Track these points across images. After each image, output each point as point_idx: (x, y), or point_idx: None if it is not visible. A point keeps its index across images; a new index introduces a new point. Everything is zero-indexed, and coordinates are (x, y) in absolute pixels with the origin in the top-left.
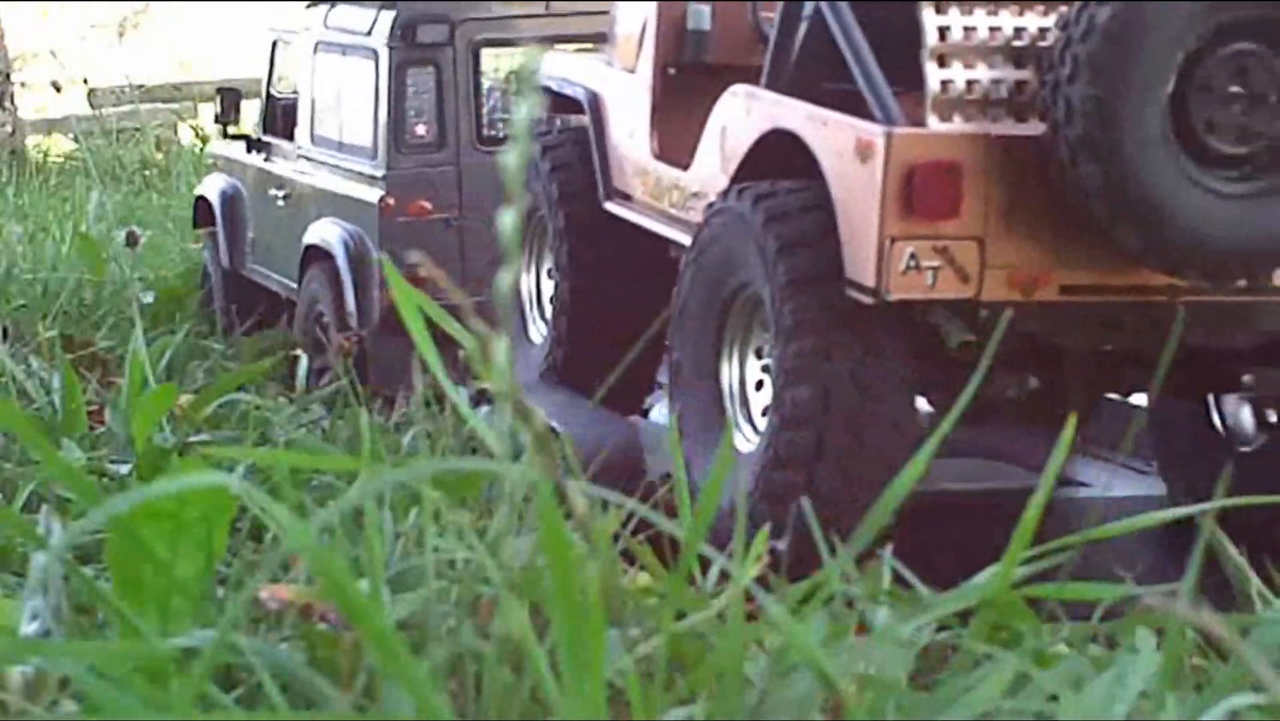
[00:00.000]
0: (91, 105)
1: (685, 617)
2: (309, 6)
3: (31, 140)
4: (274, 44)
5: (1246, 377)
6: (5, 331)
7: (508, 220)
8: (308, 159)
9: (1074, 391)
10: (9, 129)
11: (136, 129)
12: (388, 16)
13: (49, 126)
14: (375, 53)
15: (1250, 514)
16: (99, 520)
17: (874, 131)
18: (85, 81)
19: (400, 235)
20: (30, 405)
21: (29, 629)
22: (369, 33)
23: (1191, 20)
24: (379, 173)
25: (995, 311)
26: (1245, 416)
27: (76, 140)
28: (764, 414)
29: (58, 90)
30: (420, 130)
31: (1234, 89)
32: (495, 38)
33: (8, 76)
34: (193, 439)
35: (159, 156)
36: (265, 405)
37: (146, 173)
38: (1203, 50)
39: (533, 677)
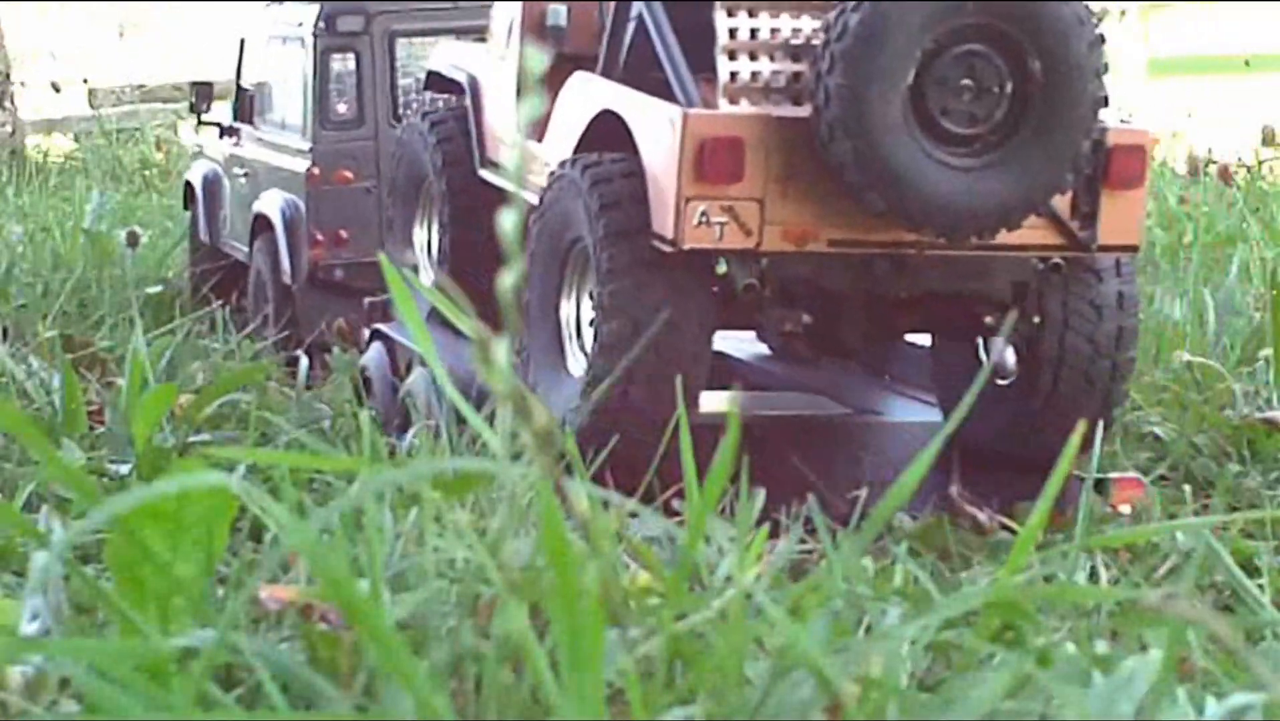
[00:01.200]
0: (91, 105)
1: (686, 617)
2: (268, 5)
3: (31, 140)
4: (241, 40)
5: (988, 319)
6: (5, 331)
7: (508, 220)
8: (261, 139)
9: (851, 331)
10: (9, 129)
11: (136, 129)
12: (315, 9)
13: (49, 126)
14: (304, 41)
15: (1012, 435)
16: (100, 520)
17: (674, 112)
18: (85, 81)
19: (326, 201)
20: (30, 405)
21: (29, 628)
22: (300, 25)
23: (927, 25)
24: (306, 146)
25: (774, 260)
26: (1008, 354)
27: (77, 140)
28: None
29: (57, 90)
30: (342, 109)
31: (964, 82)
32: (407, 28)
33: (8, 76)
34: (193, 439)
35: (159, 156)
36: (265, 405)
37: (146, 173)
38: (938, 49)
39: (533, 677)
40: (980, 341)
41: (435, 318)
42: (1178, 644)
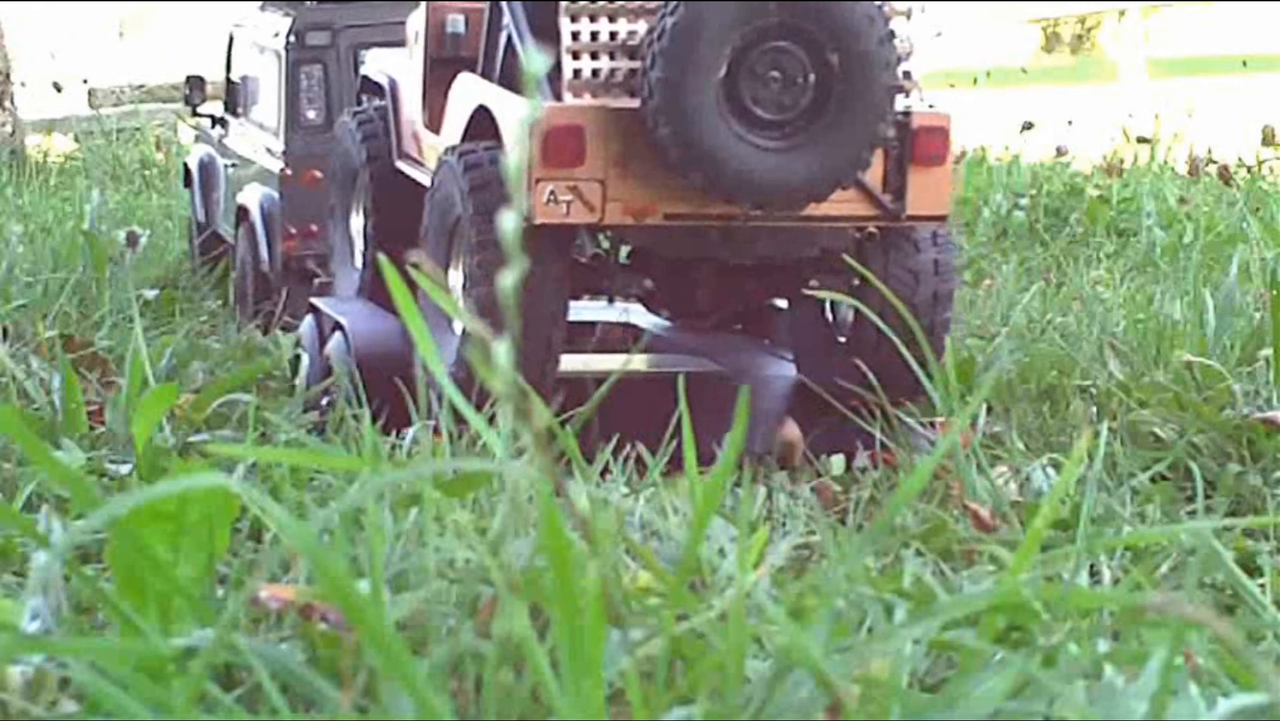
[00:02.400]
0: (91, 105)
1: (686, 618)
2: (261, 9)
3: (31, 140)
4: (230, 35)
5: (813, 281)
6: (5, 331)
7: (509, 221)
8: (243, 135)
9: (701, 295)
10: (9, 129)
11: (136, 129)
12: (287, 22)
13: (49, 126)
14: (278, 52)
15: (851, 380)
16: (100, 521)
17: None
18: (85, 82)
19: (298, 198)
20: (30, 405)
21: (29, 628)
22: (276, 35)
23: (735, 25)
24: (280, 148)
25: (617, 232)
26: (850, 315)
27: (77, 140)
28: None
29: (59, 90)
30: (311, 114)
31: (772, 74)
32: (369, 41)
33: (8, 76)
34: (193, 439)
35: (159, 156)
36: (265, 405)
37: (146, 173)
38: (747, 46)
39: (533, 677)
40: (829, 304)
41: (363, 293)
42: (1180, 644)
